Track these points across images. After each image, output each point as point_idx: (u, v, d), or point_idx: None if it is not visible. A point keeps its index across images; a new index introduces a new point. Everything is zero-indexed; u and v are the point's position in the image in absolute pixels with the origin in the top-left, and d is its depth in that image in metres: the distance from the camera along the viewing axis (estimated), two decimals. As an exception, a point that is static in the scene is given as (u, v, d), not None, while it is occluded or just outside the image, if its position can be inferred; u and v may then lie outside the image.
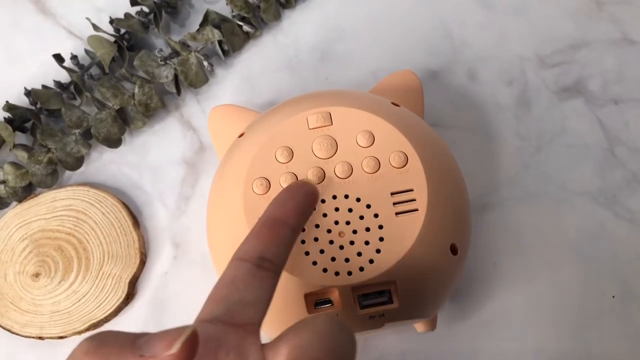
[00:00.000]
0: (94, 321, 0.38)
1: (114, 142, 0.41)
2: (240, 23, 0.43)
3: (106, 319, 0.38)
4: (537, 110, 0.42)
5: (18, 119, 0.42)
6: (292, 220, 0.27)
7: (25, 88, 0.42)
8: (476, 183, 0.40)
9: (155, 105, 0.41)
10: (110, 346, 0.21)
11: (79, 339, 0.38)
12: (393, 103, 0.33)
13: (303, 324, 0.22)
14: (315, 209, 0.29)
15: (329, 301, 0.29)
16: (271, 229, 0.26)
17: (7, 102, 0.42)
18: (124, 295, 0.38)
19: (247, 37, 0.44)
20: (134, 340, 0.21)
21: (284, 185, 0.30)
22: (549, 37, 0.43)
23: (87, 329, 0.38)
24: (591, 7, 0.44)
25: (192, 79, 0.42)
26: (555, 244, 0.39)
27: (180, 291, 0.39)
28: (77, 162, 0.41)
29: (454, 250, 0.30)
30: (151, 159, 0.42)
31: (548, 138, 0.41)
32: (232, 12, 0.43)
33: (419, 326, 0.34)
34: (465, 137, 0.42)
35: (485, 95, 0.42)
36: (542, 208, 0.40)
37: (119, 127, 0.41)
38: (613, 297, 0.38)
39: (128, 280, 0.38)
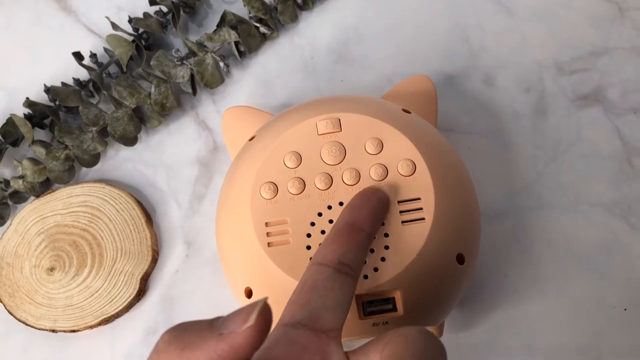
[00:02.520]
0: (105, 316, 0.38)
1: (129, 141, 0.42)
2: (257, 24, 0.43)
3: (117, 315, 0.39)
4: (553, 119, 0.41)
5: (37, 115, 0.42)
6: (367, 226, 0.28)
7: (45, 85, 0.43)
8: (489, 191, 0.40)
9: (171, 105, 0.42)
10: (190, 331, 0.21)
11: (90, 333, 0.39)
12: (404, 110, 0.33)
13: (395, 334, 0.22)
14: (386, 215, 0.29)
15: (333, 307, 0.29)
16: (348, 235, 0.27)
17: (27, 98, 0.42)
18: (135, 292, 0.39)
19: (264, 38, 0.44)
20: (211, 323, 0.21)
21: (292, 191, 0.30)
22: (569, 43, 0.43)
23: (99, 324, 0.39)
24: (613, 13, 0.43)
25: (208, 80, 0.42)
26: (568, 255, 0.39)
27: (191, 289, 0.40)
28: (94, 159, 0.42)
29: (460, 260, 0.30)
30: (166, 157, 0.43)
31: (564, 147, 0.41)
32: (249, 13, 0.43)
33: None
34: (480, 143, 0.41)
35: (502, 102, 0.42)
36: (556, 218, 0.39)
37: (135, 125, 0.41)
38: (625, 310, 0.37)
39: (140, 277, 0.39)
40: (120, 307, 0.39)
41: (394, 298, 0.29)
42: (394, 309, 0.29)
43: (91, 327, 0.39)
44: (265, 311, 0.21)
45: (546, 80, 0.42)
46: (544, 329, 0.38)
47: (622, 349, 0.37)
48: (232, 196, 0.31)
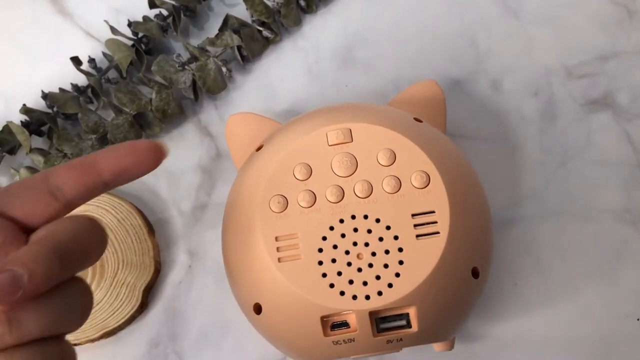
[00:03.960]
0: (107, 329, 0.37)
1: (130, 148, 0.41)
2: (260, 28, 0.42)
3: (120, 327, 0.38)
4: (562, 124, 0.41)
5: (35, 122, 0.41)
6: None
7: (42, 91, 0.42)
8: (498, 197, 0.39)
9: (172, 111, 0.41)
10: None
11: (92, 346, 0.38)
12: (415, 119, 0.32)
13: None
14: None
15: (346, 323, 0.28)
16: None
17: (24, 105, 0.41)
18: (137, 304, 0.38)
19: (267, 42, 0.43)
20: None
21: (302, 204, 0.29)
22: (577, 47, 0.42)
23: (101, 337, 0.38)
24: (622, 16, 0.43)
25: (211, 85, 0.41)
26: (578, 263, 0.38)
27: (195, 301, 0.39)
28: (93, 168, 0.41)
29: (475, 273, 0.29)
30: (167, 164, 0.41)
31: (573, 153, 0.40)
32: (252, 17, 0.42)
33: (437, 346, 0.33)
34: (488, 149, 0.41)
35: (510, 107, 0.41)
36: (565, 226, 0.39)
37: (136, 132, 0.40)
38: (638, 319, 0.37)
39: (142, 288, 0.38)
40: (123, 320, 0.38)
41: (407, 314, 0.28)
42: (408, 325, 0.28)
43: (93, 340, 0.38)
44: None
45: (554, 84, 0.42)
46: (555, 339, 0.37)
47: (635, 360, 0.36)
48: (240, 209, 0.30)
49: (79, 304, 0.24)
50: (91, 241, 0.24)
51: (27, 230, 0.25)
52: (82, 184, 0.26)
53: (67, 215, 0.25)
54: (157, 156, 0.27)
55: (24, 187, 0.25)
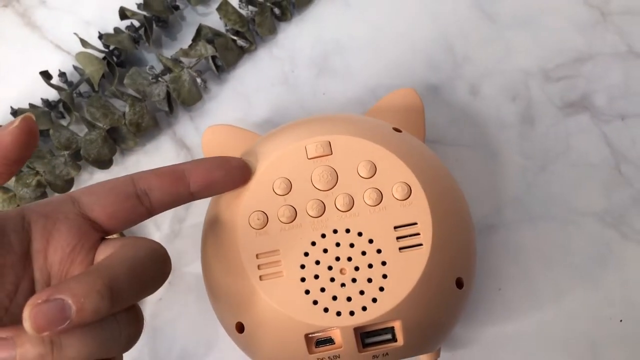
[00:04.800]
0: (86, 351, 0.36)
1: (104, 164, 0.40)
2: (235, 37, 0.41)
3: (98, 348, 0.37)
4: (541, 127, 0.41)
5: (4, 139, 0.40)
6: None
7: (11, 107, 0.40)
8: (479, 204, 0.39)
9: (146, 125, 0.40)
10: None
11: (70, 369, 0.37)
12: (395, 128, 0.32)
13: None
14: None
15: (331, 340, 0.28)
16: None
17: (-8, 122, 0.40)
18: (116, 324, 0.37)
19: (242, 51, 0.42)
20: None
21: (282, 220, 0.28)
22: (554, 50, 0.42)
23: (79, 359, 0.36)
24: (596, 18, 0.43)
25: (185, 97, 0.40)
26: (561, 266, 0.38)
27: (175, 318, 0.38)
28: (67, 185, 0.40)
29: (459, 284, 0.29)
30: (143, 179, 0.41)
31: (553, 156, 0.40)
32: (226, 26, 0.42)
33: (423, 356, 0.33)
34: (467, 155, 0.40)
35: (488, 112, 0.41)
36: (547, 230, 0.39)
37: (110, 147, 0.39)
38: (621, 321, 0.37)
39: (121, 307, 0.37)
40: (102, 341, 0.37)
41: (393, 328, 0.28)
42: (394, 339, 0.28)
43: (71, 363, 0.37)
44: (27, 118, 0.23)
45: (532, 88, 0.41)
46: (540, 343, 0.37)
47: (621, 363, 0.36)
48: (219, 227, 0.30)
49: (126, 333, 0.23)
50: (149, 273, 0.23)
51: (103, 233, 0.25)
52: (170, 192, 0.26)
53: (132, 239, 0.24)
54: (245, 174, 0.28)
55: (110, 188, 0.25)
